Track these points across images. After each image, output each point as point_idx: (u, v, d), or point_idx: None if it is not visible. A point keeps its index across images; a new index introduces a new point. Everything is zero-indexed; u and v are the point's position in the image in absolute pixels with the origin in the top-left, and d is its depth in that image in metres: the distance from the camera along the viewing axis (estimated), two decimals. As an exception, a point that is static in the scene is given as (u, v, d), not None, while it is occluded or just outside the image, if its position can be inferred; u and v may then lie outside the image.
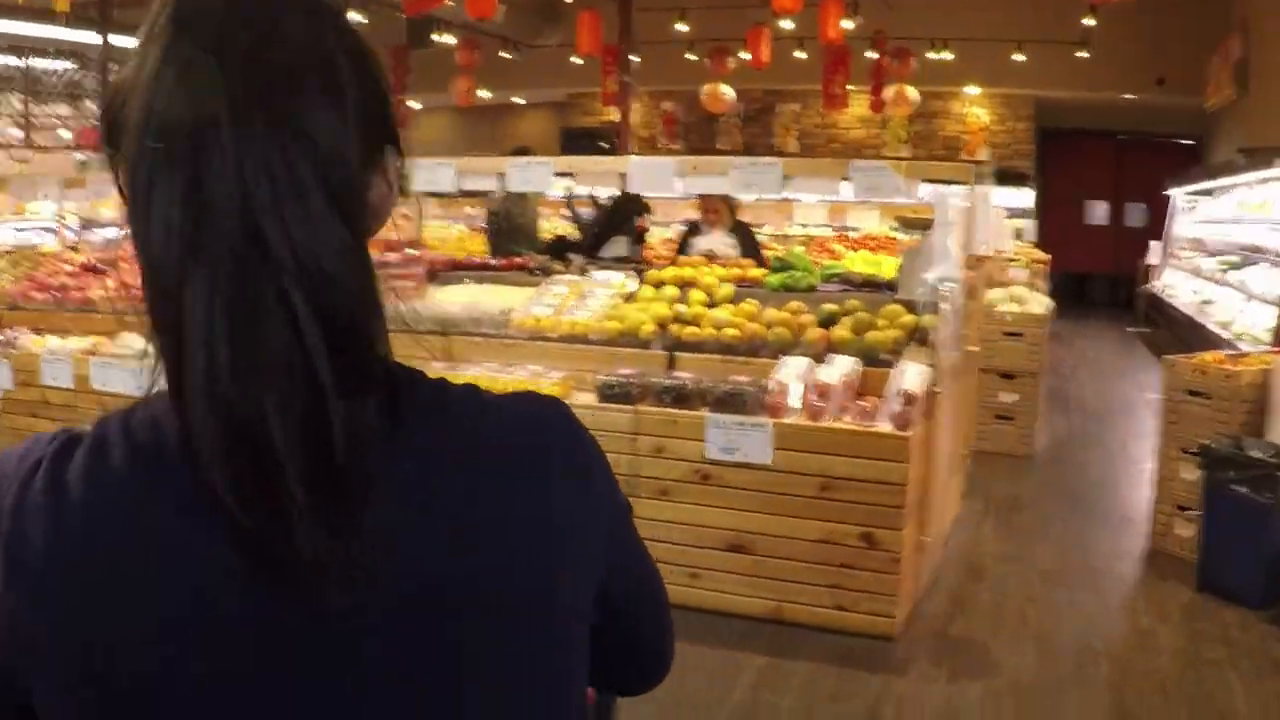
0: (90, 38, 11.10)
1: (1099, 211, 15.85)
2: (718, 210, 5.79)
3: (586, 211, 5.84)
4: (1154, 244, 12.95)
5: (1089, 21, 11.32)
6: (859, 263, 6.69)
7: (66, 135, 14.04)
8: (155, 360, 0.67)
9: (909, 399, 3.67)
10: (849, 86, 12.38)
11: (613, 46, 11.36)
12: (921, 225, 6.77)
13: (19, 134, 15.17)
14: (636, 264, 4.99)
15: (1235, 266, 9.22)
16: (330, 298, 0.64)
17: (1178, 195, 12.48)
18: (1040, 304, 6.49)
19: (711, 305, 4.39)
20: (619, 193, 5.67)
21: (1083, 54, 12.15)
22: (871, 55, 12.49)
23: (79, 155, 12.13)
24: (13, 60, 13.40)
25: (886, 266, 6.10)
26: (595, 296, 4.53)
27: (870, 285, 4.66)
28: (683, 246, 5.84)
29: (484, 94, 13.97)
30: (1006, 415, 6.27)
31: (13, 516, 0.68)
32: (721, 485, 3.79)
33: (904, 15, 11.88)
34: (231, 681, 0.66)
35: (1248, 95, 10.65)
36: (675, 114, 16.10)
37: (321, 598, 0.65)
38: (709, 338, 4.17)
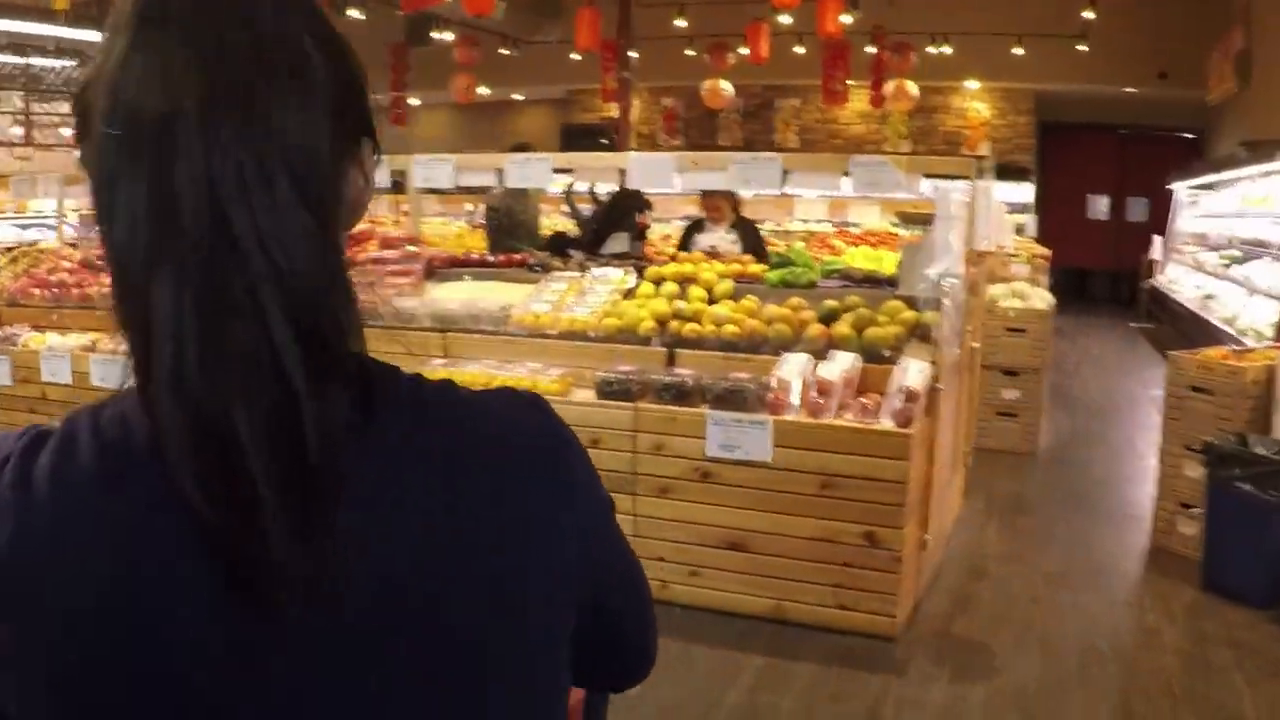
0: (91, 35, 11.09)
1: (1100, 206, 15.78)
2: (720, 207, 5.81)
3: (586, 208, 5.81)
4: (1156, 239, 12.93)
5: (1089, 15, 11.29)
6: (860, 258, 6.65)
7: (67, 133, 14.07)
8: (126, 355, 0.66)
9: (910, 396, 3.65)
10: (849, 82, 12.34)
11: (612, 42, 11.35)
12: (922, 220, 6.73)
13: (20, 132, 15.20)
14: (637, 260, 4.97)
15: (1238, 261, 9.19)
16: (299, 290, 0.63)
17: (1180, 189, 12.44)
18: (1042, 299, 6.46)
19: (711, 302, 4.37)
20: (619, 189, 5.65)
21: (1083, 47, 12.13)
22: (871, 50, 12.45)
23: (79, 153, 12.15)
24: (13, 58, 13.40)
25: (887, 262, 6.06)
26: (595, 293, 4.50)
27: (871, 281, 4.63)
28: (685, 243, 5.83)
29: (483, 91, 13.95)
30: (1009, 412, 6.24)
31: None
32: (721, 483, 3.77)
33: (903, 9, 11.86)
34: (203, 682, 0.65)
35: (1250, 88, 10.61)
36: (675, 110, 16.10)
37: (291, 597, 0.63)
38: (709, 334, 4.14)
